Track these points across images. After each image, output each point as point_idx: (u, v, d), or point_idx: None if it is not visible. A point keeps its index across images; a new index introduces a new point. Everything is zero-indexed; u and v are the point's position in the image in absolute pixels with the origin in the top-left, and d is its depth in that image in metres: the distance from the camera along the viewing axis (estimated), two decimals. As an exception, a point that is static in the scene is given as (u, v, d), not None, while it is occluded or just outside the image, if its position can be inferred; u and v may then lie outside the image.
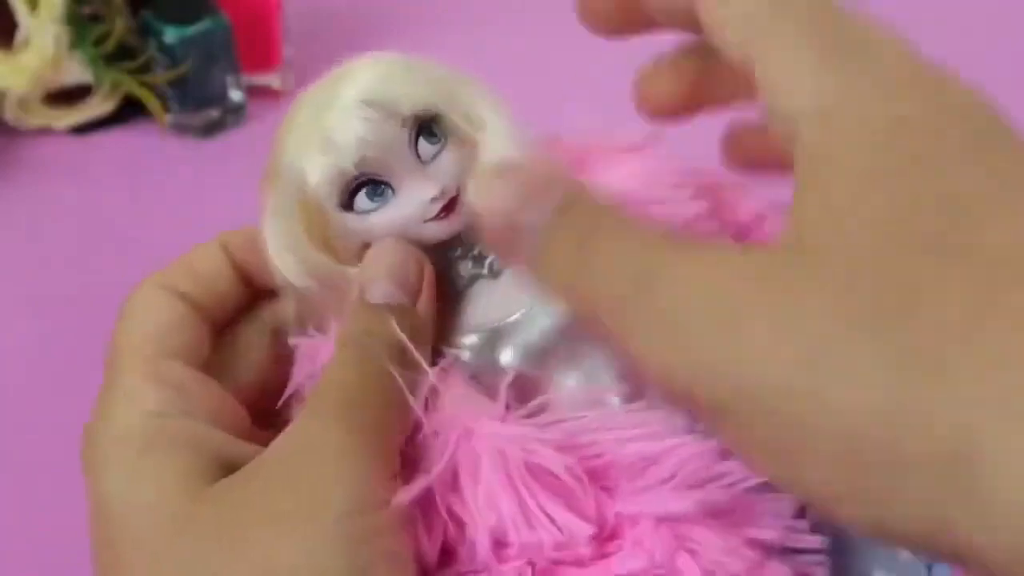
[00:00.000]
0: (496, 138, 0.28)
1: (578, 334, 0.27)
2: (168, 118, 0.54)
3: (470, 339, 0.27)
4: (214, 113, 0.55)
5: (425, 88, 0.27)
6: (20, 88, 0.52)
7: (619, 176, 0.30)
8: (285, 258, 0.27)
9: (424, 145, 0.27)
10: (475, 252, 0.28)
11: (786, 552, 0.25)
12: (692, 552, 0.24)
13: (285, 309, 0.29)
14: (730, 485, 0.25)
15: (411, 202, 0.27)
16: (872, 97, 0.20)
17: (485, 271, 0.28)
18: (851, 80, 0.20)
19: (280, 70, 0.57)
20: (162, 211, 0.50)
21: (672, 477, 0.25)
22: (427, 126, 0.27)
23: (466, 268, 0.28)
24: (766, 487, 0.25)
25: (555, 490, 0.24)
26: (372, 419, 0.24)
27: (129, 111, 0.55)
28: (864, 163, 0.19)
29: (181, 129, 0.55)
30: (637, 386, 0.27)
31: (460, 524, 0.24)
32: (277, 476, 0.23)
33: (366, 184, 0.27)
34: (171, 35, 0.51)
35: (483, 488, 0.24)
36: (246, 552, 0.22)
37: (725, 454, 0.25)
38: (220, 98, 0.54)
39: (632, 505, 0.25)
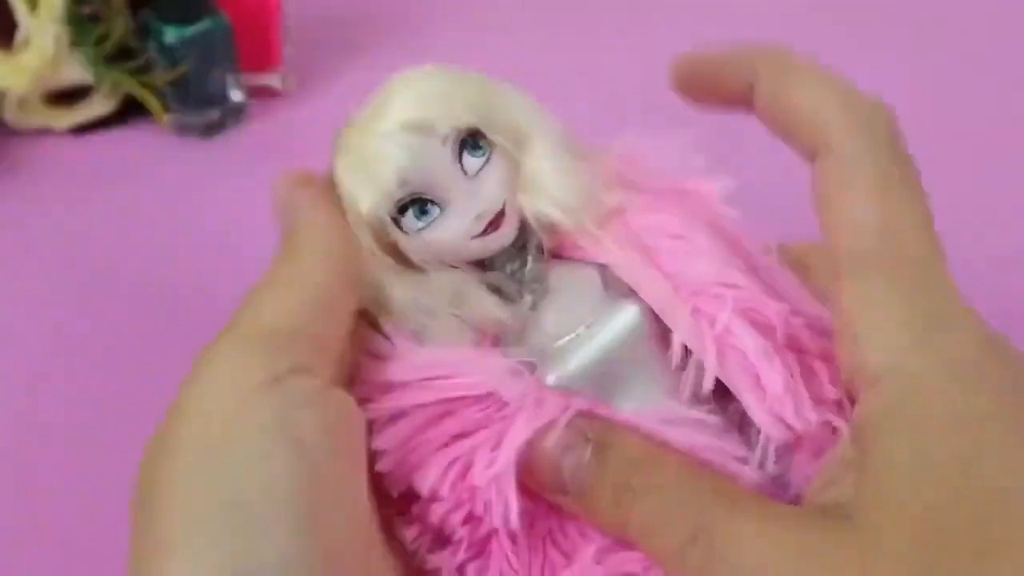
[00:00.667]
0: (543, 149, 0.29)
1: (629, 362, 0.27)
2: (168, 118, 0.54)
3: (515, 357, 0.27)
4: (214, 113, 0.55)
5: (463, 104, 0.27)
6: (20, 88, 0.52)
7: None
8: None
9: (469, 159, 0.27)
10: (522, 272, 0.28)
11: None
12: None
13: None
14: None
15: (458, 219, 0.27)
16: (944, 384, 0.21)
17: (529, 296, 0.28)
18: (929, 359, 0.22)
19: (280, 70, 0.57)
20: (162, 211, 0.50)
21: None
22: (471, 140, 0.27)
23: (513, 287, 0.28)
24: None
25: None
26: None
27: (129, 111, 0.55)
28: (925, 455, 0.21)
29: (181, 129, 0.55)
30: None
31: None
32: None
33: (413, 203, 0.27)
34: (171, 35, 0.51)
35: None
36: None
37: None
38: (220, 98, 0.54)
39: None
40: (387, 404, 0.25)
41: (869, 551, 0.20)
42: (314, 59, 0.61)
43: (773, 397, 0.25)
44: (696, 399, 0.27)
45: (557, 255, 0.29)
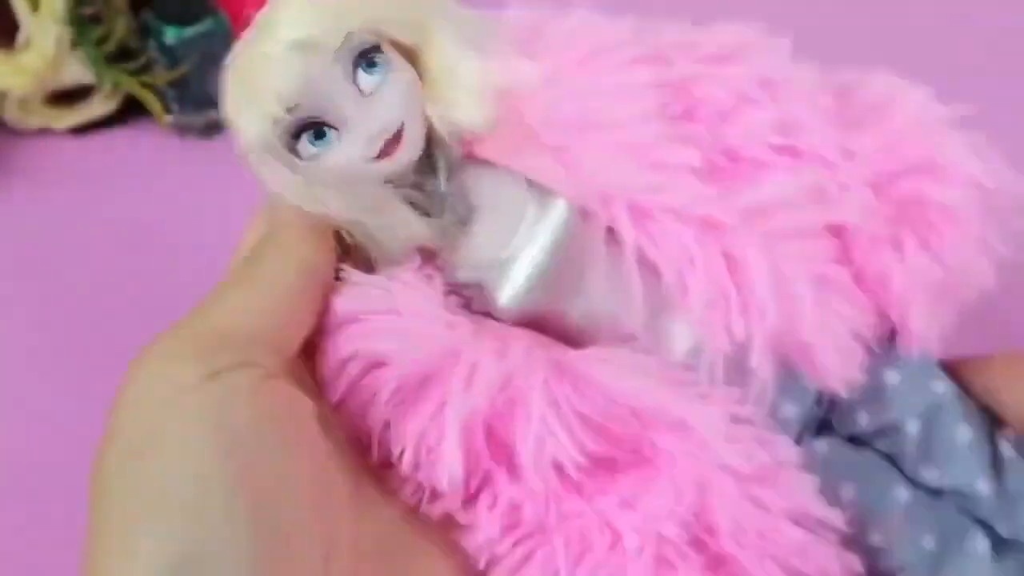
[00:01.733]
0: (445, 51, 0.26)
1: (572, 260, 0.27)
2: (168, 118, 0.54)
3: (463, 280, 0.27)
4: (214, 113, 0.55)
5: (352, 15, 0.25)
6: (21, 88, 0.52)
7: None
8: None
9: (364, 77, 0.25)
10: (437, 194, 0.27)
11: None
12: (719, 499, 0.25)
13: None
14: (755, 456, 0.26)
15: (355, 141, 0.25)
16: None
17: (449, 216, 0.27)
18: None
19: (280, 70, 0.57)
20: (162, 211, 0.50)
21: (706, 448, 0.26)
22: (364, 57, 0.25)
23: (434, 203, 0.27)
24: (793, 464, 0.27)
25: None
26: None
27: (130, 112, 0.55)
28: None
29: (181, 129, 0.55)
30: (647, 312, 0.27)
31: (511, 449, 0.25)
32: None
33: (307, 128, 0.25)
34: (171, 36, 0.52)
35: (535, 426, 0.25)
36: None
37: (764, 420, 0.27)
38: (220, 98, 0.54)
39: (670, 445, 0.26)
40: (329, 355, 0.25)
41: None
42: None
43: (700, 305, 0.26)
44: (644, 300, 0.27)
45: (472, 157, 0.27)
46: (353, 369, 0.25)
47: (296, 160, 0.26)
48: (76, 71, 0.53)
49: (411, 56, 0.26)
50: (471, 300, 0.27)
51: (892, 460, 0.31)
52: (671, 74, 0.29)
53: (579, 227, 0.27)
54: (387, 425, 0.25)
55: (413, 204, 0.26)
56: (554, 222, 0.26)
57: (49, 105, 0.54)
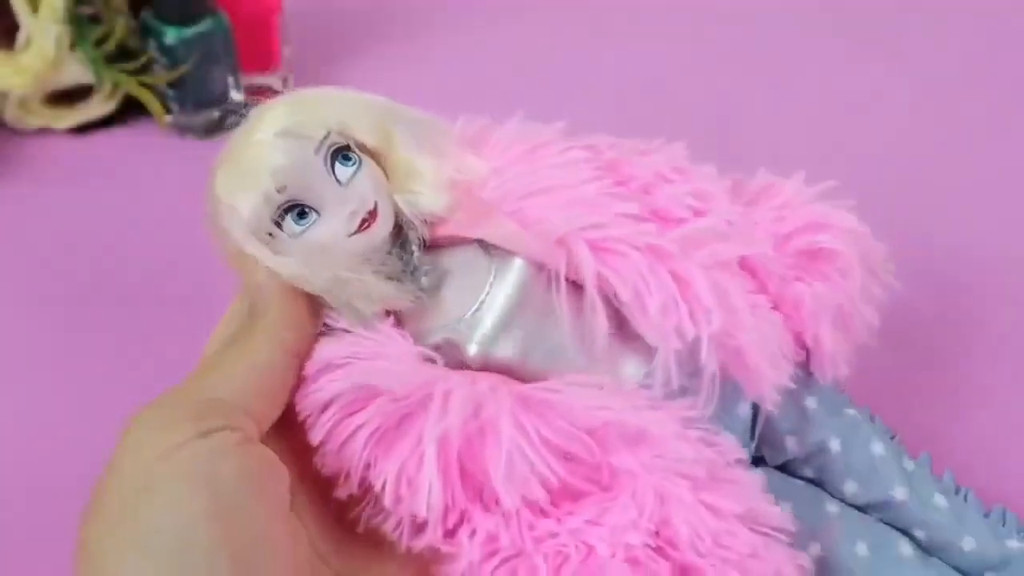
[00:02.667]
0: (407, 148, 0.32)
1: (534, 310, 0.31)
2: (168, 119, 0.54)
3: (434, 342, 0.31)
4: (214, 113, 0.55)
5: (329, 113, 0.31)
6: (21, 89, 0.52)
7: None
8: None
9: (341, 169, 0.30)
10: (411, 260, 0.31)
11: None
12: (676, 508, 0.28)
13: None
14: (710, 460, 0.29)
15: (336, 219, 0.30)
16: None
17: (423, 284, 0.31)
18: None
19: (280, 71, 0.57)
20: (162, 211, 0.50)
21: (662, 453, 0.29)
22: (341, 152, 0.31)
23: (406, 276, 0.31)
24: (740, 463, 0.30)
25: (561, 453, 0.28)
26: None
27: (129, 112, 0.55)
28: None
29: (181, 129, 0.55)
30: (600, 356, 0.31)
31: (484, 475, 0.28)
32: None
33: (292, 209, 0.30)
34: (171, 36, 0.52)
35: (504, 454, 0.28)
36: None
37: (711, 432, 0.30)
38: (220, 98, 0.54)
39: (624, 464, 0.29)
40: (310, 395, 0.28)
41: None
42: (313, 59, 0.61)
43: (656, 312, 0.30)
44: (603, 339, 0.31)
45: (436, 243, 0.32)
46: (335, 411, 0.28)
47: (284, 235, 0.30)
48: (76, 71, 0.53)
49: (376, 156, 0.32)
50: (439, 360, 0.30)
51: (819, 484, 0.35)
52: (601, 157, 0.34)
53: (537, 280, 0.31)
54: (367, 464, 0.28)
55: (388, 277, 0.31)
56: (514, 277, 0.31)
57: (49, 105, 0.54)
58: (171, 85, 0.53)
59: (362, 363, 0.29)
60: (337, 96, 0.32)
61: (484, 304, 0.31)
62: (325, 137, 0.30)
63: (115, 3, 0.53)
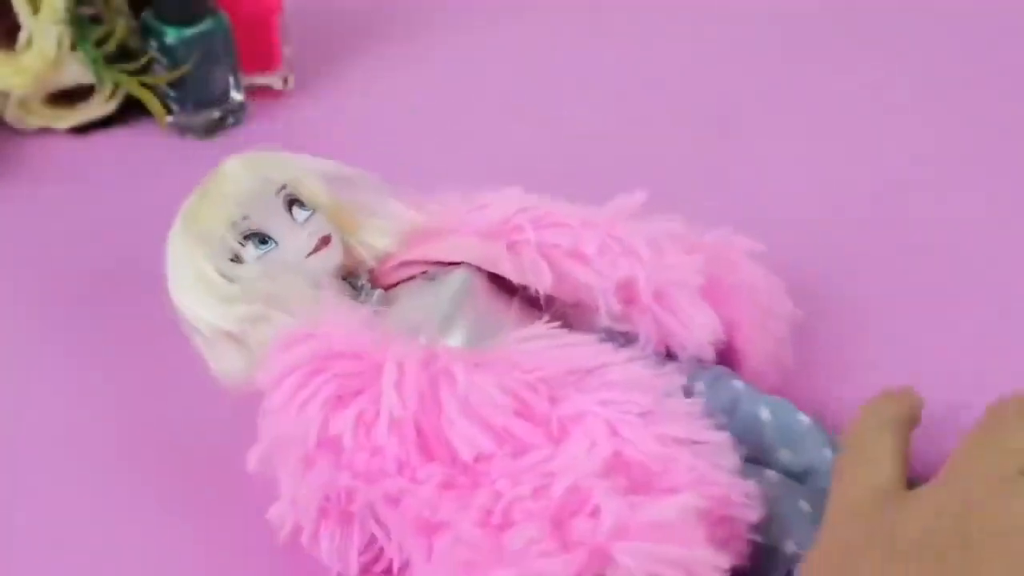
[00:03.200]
0: (356, 198, 0.39)
1: (477, 310, 0.35)
2: (169, 119, 0.54)
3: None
4: (215, 113, 0.55)
5: (285, 169, 0.38)
6: (22, 89, 0.52)
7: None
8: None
9: (297, 212, 0.37)
10: (365, 294, 0.37)
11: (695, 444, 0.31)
12: (625, 440, 0.30)
13: None
14: (652, 391, 0.32)
15: (293, 242, 0.36)
16: None
17: (372, 300, 0.37)
18: None
19: (280, 70, 0.57)
20: (162, 211, 0.50)
21: (605, 384, 0.31)
22: (296, 201, 0.37)
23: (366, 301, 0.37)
24: (681, 392, 0.33)
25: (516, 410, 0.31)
26: None
27: (130, 112, 0.55)
28: None
29: (182, 129, 0.55)
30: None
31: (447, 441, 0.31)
32: None
33: (252, 236, 0.36)
34: (172, 36, 0.52)
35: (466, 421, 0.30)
36: None
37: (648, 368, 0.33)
38: (221, 98, 0.54)
39: (575, 407, 0.31)
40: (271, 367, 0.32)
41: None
42: (314, 59, 0.61)
43: (594, 253, 0.35)
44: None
45: (385, 281, 0.38)
46: (297, 377, 0.31)
47: (244, 264, 0.36)
48: (76, 71, 0.53)
49: (326, 210, 0.38)
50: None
51: (754, 461, 0.35)
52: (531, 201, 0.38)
53: (481, 281, 0.36)
54: (324, 423, 0.30)
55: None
56: (457, 283, 0.36)
57: (50, 105, 0.54)
58: (172, 85, 0.53)
59: (320, 333, 0.32)
60: (290, 157, 0.38)
61: (432, 308, 0.35)
62: (283, 187, 0.37)
63: (116, 3, 0.53)
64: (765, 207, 0.50)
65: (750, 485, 0.31)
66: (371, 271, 0.38)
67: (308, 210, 0.37)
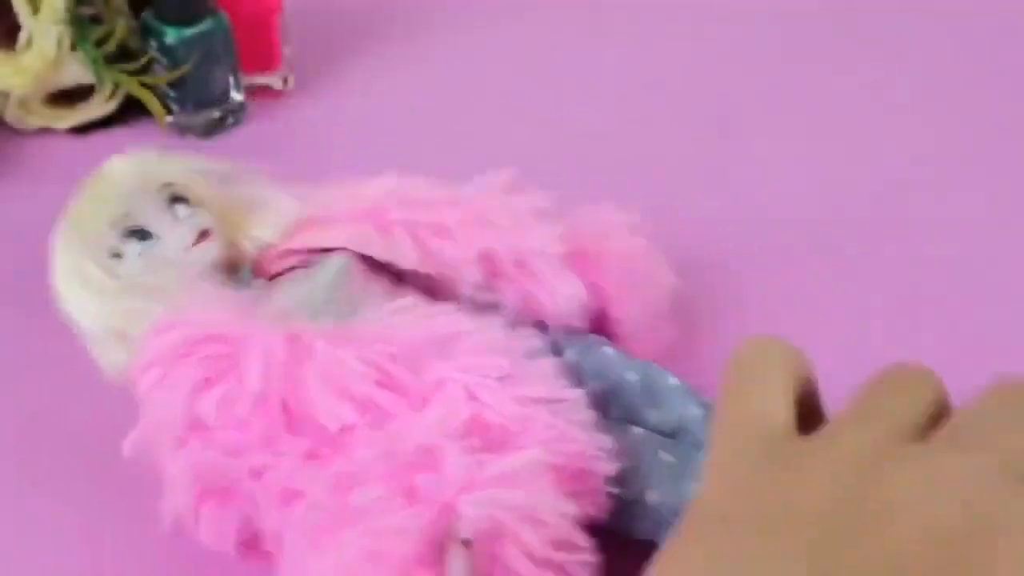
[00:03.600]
0: (239, 194, 0.40)
1: (353, 289, 0.37)
2: (169, 119, 0.54)
3: None
4: (215, 113, 0.55)
5: (172, 167, 0.39)
6: (22, 89, 0.52)
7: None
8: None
9: (179, 209, 0.38)
10: (243, 276, 0.39)
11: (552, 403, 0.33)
12: (484, 404, 0.31)
13: None
14: (510, 354, 0.33)
15: (174, 236, 0.37)
16: None
17: (253, 290, 0.38)
18: None
19: (280, 70, 0.57)
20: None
21: (465, 351, 0.33)
22: (180, 198, 0.38)
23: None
24: (539, 354, 0.34)
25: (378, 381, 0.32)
26: None
27: (130, 112, 0.55)
28: None
29: (182, 129, 0.55)
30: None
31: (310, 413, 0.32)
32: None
33: (134, 233, 0.37)
34: (172, 36, 0.52)
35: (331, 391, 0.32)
36: None
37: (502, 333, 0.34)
38: (221, 98, 0.54)
39: (435, 375, 0.32)
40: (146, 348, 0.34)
41: None
42: (314, 59, 0.61)
43: (456, 225, 0.37)
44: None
45: (267, 271, 0.39)
46: (166, 360, 0.33)
47: (129, 255, 0.37)
48: (76, 71, 0.53)
49: (211, 208, 0.39)
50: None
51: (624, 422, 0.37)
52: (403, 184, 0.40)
53: (357, 266, 0.37)
54: (192, 403, 0.32)
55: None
56: (333, 268, 0.37)
57: (50, 105, 0.54)
58: (172, 85, 0.53)
59: (190, 319, 0.33)
60: (172, 156, 0.40)
61: (307, 296, 0.36)
62: (167, 184, 0.38)
63: (116, 3, 0.53)
64: (765, 207, 0.50)
65: (606, 439, 0.32)
66: (255, 262, 0.39)
67: (191, 206, 0.38)
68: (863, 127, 0.56)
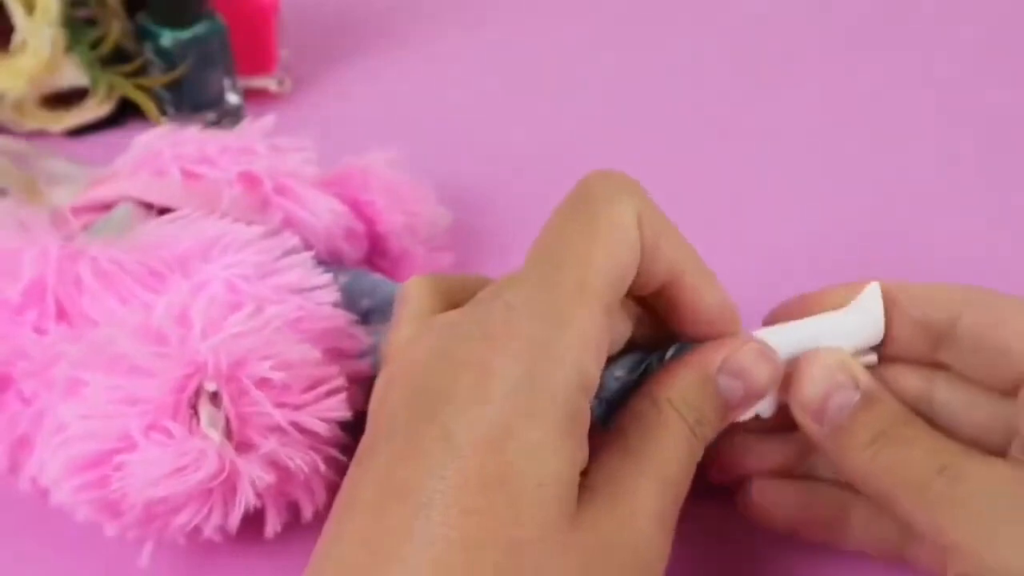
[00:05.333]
0: (48, 169, 0.43)
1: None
2: (164, 121, 0.54)
3: None
4: (210, 116, 0.55)
5: None
6: (16, 91, 0.52)
7: None
8: None
9: None
10: None
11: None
12: (243, 293, 0.33)
13: None
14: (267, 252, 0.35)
15: None
16: None
17: None
18: None
19: (276, 73, 0.57)
20: (158, 214, 0.50)
21: (228, 252, 0.34)
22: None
23: None
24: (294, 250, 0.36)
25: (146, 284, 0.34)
26: (677, 498, 0.27)
27: (125, 114, 0.55)
28: None
29: (177, 132, 0.55)
30: None
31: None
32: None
33: None
34: (167, 38, 0.51)
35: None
36: None
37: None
38: (216, 101, 0.54)
39: (202, 276, 0.34)
40: None
41: None
42: (310, 62, 0.61)
43: (215, 153, 0.39)
44: None
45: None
46: None
47: None
48: (71, 74, 0.53)
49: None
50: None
51: None
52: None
53: (138, 215, 0.38)
54: None
55: None
56: (117, 216, 0.38)
57: (45, 108, 0.54)
58: (167, 88, 0.53)
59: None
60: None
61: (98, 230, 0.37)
62: None
63: (111, 6, 0.53)
64: (765, 207, 0.50)
65: (351, 316, 0.35)
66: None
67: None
68: (863, 127, 0.56)
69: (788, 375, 0.30)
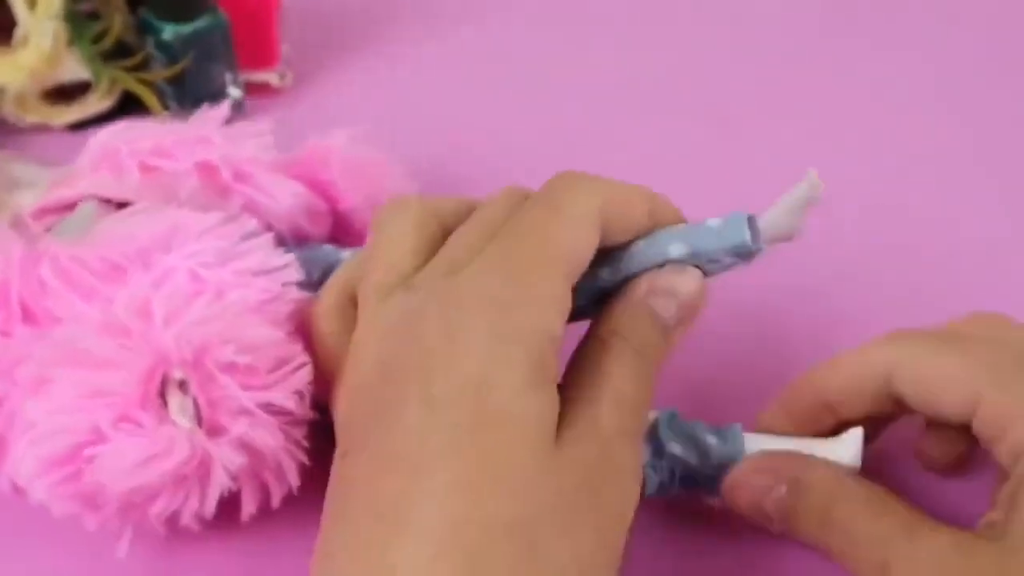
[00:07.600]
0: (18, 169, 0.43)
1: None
2: (166, 115, 0.54)
3: None
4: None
5: None
6: (18, 85, 0.52)
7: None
8: None
9: None
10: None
11: None
12: (205, 281, 0.33)
13: None
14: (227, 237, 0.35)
15: None
16: None
17: None
18: None
19: (278, 67, 0.57)
20: (160, 209, 0.50)
21: (187, 242, 0.34)
22: None
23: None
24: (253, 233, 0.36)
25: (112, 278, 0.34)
26: (635, 413, 0.29)
27: (127, 108, 0.55)
28: None
29: (179, 126, 0.55)
30: None
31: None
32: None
33: None
34: (169, 32, 0.51)
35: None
36: None
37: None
38: (218, 95, 0.54)
39: (163, 266, 0.33)
40: None
41: (1011, 562, 0.27)
42: (312, 56, 0.60)
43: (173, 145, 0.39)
44: None
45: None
46: None
47: None
48: (73, 68, 0.53)
49: None
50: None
51: None
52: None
53: (101, 212, 0.38)
54: None
55: None
56: (80, 214, 0.38)
57: (46, 102, 0.54)
58: (169, 82, 0.53)
59: None
60: None
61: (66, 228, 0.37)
62: None
63: (113, 0, 0.53)
64: (765, 207, 0.50)
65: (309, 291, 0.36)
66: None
67: None
68: (863, 127, 0.56)
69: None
